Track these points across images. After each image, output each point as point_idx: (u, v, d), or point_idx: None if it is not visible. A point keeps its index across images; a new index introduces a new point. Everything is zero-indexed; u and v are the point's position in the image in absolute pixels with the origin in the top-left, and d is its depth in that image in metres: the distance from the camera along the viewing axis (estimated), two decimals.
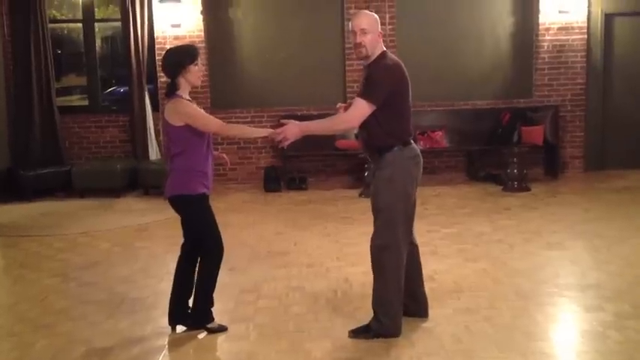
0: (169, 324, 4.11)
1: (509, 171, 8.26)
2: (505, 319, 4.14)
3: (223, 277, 5.16)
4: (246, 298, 4.69)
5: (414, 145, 3.91)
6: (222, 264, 5.59)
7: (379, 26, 3.85)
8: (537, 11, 9.12)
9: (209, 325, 4.06)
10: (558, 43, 9.18)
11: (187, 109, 3.86)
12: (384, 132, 3.77)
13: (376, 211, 3.93)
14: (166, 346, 3.94)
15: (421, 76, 7.56)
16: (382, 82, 3.71)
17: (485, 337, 3.87)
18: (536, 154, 9.03)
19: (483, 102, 9.12)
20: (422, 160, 3.93)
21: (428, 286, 4.30)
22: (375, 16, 3.87)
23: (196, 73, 3.94)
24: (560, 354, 3.77)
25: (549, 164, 9.12)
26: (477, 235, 6.20)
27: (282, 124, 3.81)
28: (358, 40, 3.76)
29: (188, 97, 3.95)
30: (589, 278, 4.90)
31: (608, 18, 9.18)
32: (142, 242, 6.42)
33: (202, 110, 3.99)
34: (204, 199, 4.03)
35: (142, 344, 3.97)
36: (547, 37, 9.17)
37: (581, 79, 9.27)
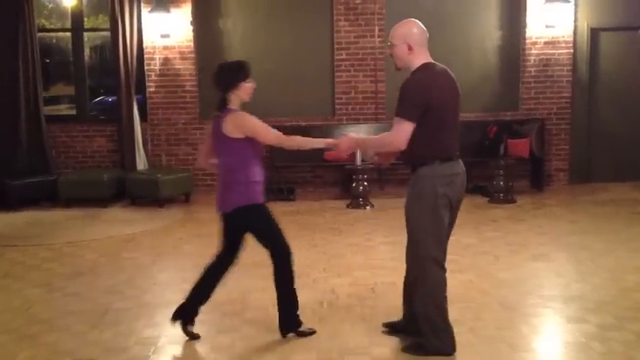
0: (174, 318, 4.13)
1: (495, 183, 8.32)
2: (490, 331, 4.16)
3: None
4: (233, 309, 4.68)
5: (454, 162, 3.72)
6: None
7: (412, 37, 3.69)
8: (524, 25, 9.22)
9: (300, 329, 4.13)
10: (545, 57, 9.27)
11: (252, 122, 3.92)
12: (418, 147, 3.62)
13: (407, 227, 3.82)
14: (150, 357, 3.92)
15: None
16: (412, 97, 3.59)
17: (471, 348, 3.89)
18: (522, 166, 9.11)
19: (471, 114, 9.18)
20: (462, 178, 3.75)
21: None
22: (409, 26, 3.75)
23: (248, 90, 4.00)
24: None
25: (535, 177, 9.19)
26: (463, 246, 6.23)
27: (343, 135, 3.98)
28: (389, 52, 3.79)
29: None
30: (573, 290, 4.93)
31: (594, 33, 9.29)
32: (128, 253, 6.39)
33: (261, 122, 3.99)
34: (265, 207, 4.09)
35: (126, 355, 3.95)
36: (534, 51, 9.26)
37: (566, 93, 9.36)
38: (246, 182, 3.97)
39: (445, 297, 3.80)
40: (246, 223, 4.05)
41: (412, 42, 3.69)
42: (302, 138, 4.24)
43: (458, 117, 3.77)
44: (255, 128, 3.91)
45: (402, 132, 3.60)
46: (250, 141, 3.92)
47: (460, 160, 3.78)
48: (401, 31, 3.72)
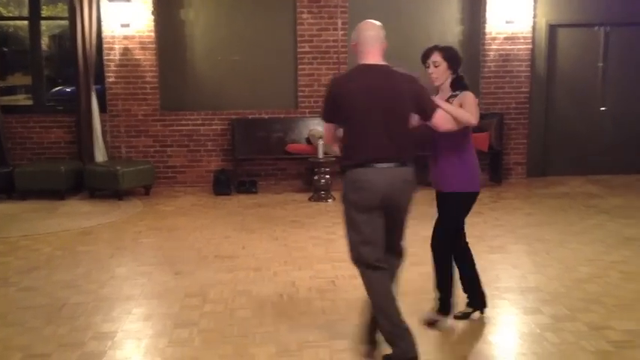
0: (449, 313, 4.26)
1: None
2: (447, 322, 4.22)
3: (169, 281, 5.17)
4: (192, 303, 4.66)
5: (368, 167, 3.52)
6: (169, 267, 5.59)
7: (359, 37, 3.69)
8: (484, 21, 9.33)
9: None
10: (504, 53, 9.40)
11: (473, 103, 4.01)
12: (341, 152, 3.71)
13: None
14: (107, 352, 3.88)
15: None
16: (325, 99, 3.67)
17: (427, 340, 3.94)
18: (482, 160, 9.16)
19: None
20: (379, 183, 3.52)
21: None
22: (362, 27, 3.73)
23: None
24: (499, 355, 3.85)
25: (494, 170, 9.33)
26: (423, 239, 6.23)
27: None
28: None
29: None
30: (529, 281, 5.04)
31: (552, 29, 9.45)
32: (86, 246, 6.31)
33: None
34: None
35: (82, 350, 3.90)
36: (493, 47, 9.38)
37: (525, 88, 9.51)
38: None
39: (390, 299, 3.63)
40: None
41: (358, 42, 3.69)
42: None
43: (391, 120, 3.54)
44: (473, 109, 4.03)
45: (326, 132, 3.82)
46: None
47: (387, 164, 3.55)
48: (355, 30, 3.74)
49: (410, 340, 3.57)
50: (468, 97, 3.96)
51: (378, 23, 3.75)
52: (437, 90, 4.12)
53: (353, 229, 3.63)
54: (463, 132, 3.95)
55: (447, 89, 4.09)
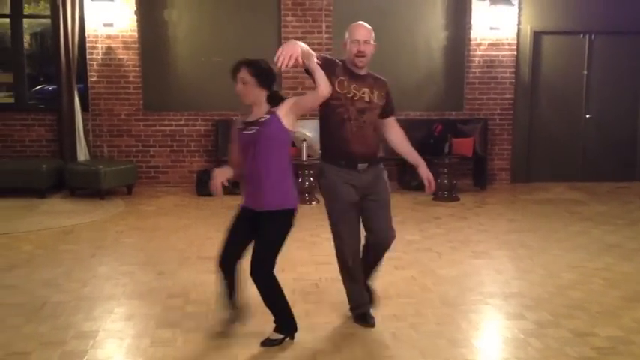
0: (290, 337, 3.96)
1: (439, 181, 8.43)
2: (430, 326, 4.21)
3: (151, 281, 5.11)
4: (174, 303, 4.61)
5: None
6: (151, 267, 5.53)
7: (348, 36, 4.00)
8: (469, 27, 9.37)
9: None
10: (489, 59, 9.45)
11: None
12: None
13: (388, 203, 4.18)
14: (89, 351, 3.82)
15: None
16: None
17: (411, 344, 3.93)
18: (466, 165, 9.28)
19: (416, 113, 9.28)
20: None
21: None
22: (351, 26, 4.02)
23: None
24: None
25: (478, 176, 9.37)
26: (406, 243, 6.29)
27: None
28: (362, 48, 3.88)
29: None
30: (512, 287, 5.04)
31: (537, 36, 9.52)
32: (67, 245, 6.23)
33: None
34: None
35: (63, 348, 3.83)
36: (478, 53, 9.43)
37: (509, 94, 9.57)
38: None
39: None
40: None
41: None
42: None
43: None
44: None
45: None
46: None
47: None
48: (372, 31, 3.94)
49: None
50: (291, 98, 3.81)
51: (368, 26, 3.96)
52: (251, 109, 3.80)
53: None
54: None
55: (263, 106, 3.76)
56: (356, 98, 3.91)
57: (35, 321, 4.26)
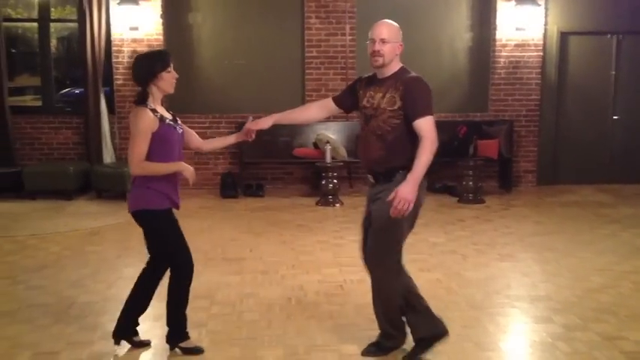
0: (113, 337, 3.88)
1: (464, 183, 8.38)
2: (456, 329, 4.17)
3: None
4: (200, 304, 4.62)
5: None
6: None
7: (400, 37, 3.65)
8: (494, 27, 9.30)
9: (182, 345, 3.84)
10: (514, 60, 9.37)
11: (134, 126, 3.56)
12: (408, 149, 3.53)
13: (377, 231, 3.66)
14: (116, 351, 3.85)
15: None
16: (429, 94, 3.56)
17: (437, 347, 3.88)
18: (491, 167, 9.20)
19: (440, 115, 9.22)
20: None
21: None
22: (398, 26, 3.66)
23: (169, 80, 3.66)
24: None
25: (503, 177, 9.28)
26: (431, 245, 6.26)
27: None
28: (376, 48, 3.56)
29: (152, 106, 3.64)
30: (539, 290, 4.99)
31: (564, 36, 9.41)
32: (93, 246, 6.29)
33: (149, 134, 3.57)
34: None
35: (91, 349, 3.88)
36: (503, 54, 9.35)
37: (535, 95, 9.47)
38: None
39: None
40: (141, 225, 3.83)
41: (400, 41, 3.65)
42: (158, 165, 3.65)
43: None
44: (132, 134, 3.57)
45: (434, 129, 3.50)
46: (157, 143, 3.60)
47: None
48: (395, 29, 3.63)
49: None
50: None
51: (391, 23, 3.70)
52: None
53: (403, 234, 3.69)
54: None
55: None
56: (367, 106, 3.65)
57: (63, 321, 4.31)
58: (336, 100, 3.94)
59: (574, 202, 8.50)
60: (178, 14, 9.23)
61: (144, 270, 3.95)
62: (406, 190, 3.38)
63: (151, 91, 3.65)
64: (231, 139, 4.21)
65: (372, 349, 3.84)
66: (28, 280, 5.22)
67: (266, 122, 3.89)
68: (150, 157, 3.59)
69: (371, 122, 3.64)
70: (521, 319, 4.46)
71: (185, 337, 3.85)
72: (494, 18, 9.27)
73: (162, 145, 3.63)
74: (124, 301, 3.92)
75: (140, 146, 3.54)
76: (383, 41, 3.57)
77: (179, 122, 3.85)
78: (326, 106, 3.97)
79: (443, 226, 7.07)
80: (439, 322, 3.79)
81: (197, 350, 3.84)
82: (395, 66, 3.64)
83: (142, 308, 3.93)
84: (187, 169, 3.71)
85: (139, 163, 3.56)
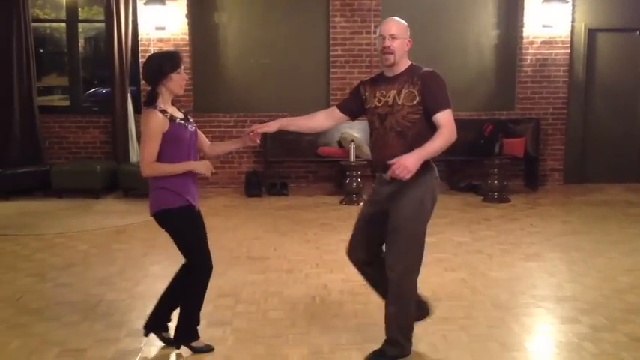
0: (144, 327, 3.96)
1: (489, 182, 8.32)
2: (481, 329, 4.15)
3: None
4: (225, 302, 4.66)
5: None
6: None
7: (408, 33, 3.65)
8: (521, 25, 9.21)
9: (193, 344, 3.86)
10: (541, 57, 9.28)
11: (144, 127, 3.57)
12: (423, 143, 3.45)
13: (399, 230, 3.58)
14: (142, 349, 3.90)
15: None
16: (446, 87, 3.54)
17: (461, 346, 3.88)
18: (517, 166, 9.12)
19: (466, 113, 9.17)
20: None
21: None
22: (405, 23, 3.66)
23: (178, 81, 3.64)
24: None
25: (529, 176, 9.20)
26: (456, 244, 6.23)
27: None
28: (387, 44, 3.54)
29: (162, 107, 3.62)
30: (565, 290, 4.94)
31: (591, 33, 9.30)
32: (120, 244, 6.37)
33: (159, 135, 3.57)
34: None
35: (117, 346, 3.93)
36: (530, 51, 9.27)
37: (562, 93, 9.37)
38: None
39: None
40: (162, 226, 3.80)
41: (408, 38, 3.66)
42: (169, 166, 3.62)
43: None
44: (142, 135, 3.59)
45: (453, 121, 3.49)
46: (168, 144, 3.60)
47: None
48: (403, 26, 3.63)
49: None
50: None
51: (399, 20, 3.69)
52: None
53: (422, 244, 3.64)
54: None
55: None
56: (380, 105, 3.61)
57: (90, 318, 4.37)
58: (341, 107, 3.91)
59: (602, 201, 8.39)
60: (204, 14, 9.29)
61: (180, 267, 3.93)
62: (409, 160, 3.31)
63: (160, 91, 3.66)
64: (234, 145, 4.18)
65: (375, 357, 3.72)
66: (56, 277, 5.30)
67: (272, 126, 3.92)
68: (162, 157, 3.60)
69: (387, 120, 3.58)
70: (547, 319, 4.42)
71: (195, 336, 3.86)
72: (522, 15, 9.19)
73: (174, 144, 3.63)
74: (159, 295, 3.95)
75: (150, 148, 3.56)
76: (392, 37, 3.56)
77: (191, 120, 3.83)
78: (332, 114, 3.96)
79: (468, 226, 7.02)
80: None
81: (207, 349, 3.86)
82: (405, 63, 3.65)
83: (176, 305, 3.94)
84: (199, 166, 3.70)
85: (149, 165, 3.57)
